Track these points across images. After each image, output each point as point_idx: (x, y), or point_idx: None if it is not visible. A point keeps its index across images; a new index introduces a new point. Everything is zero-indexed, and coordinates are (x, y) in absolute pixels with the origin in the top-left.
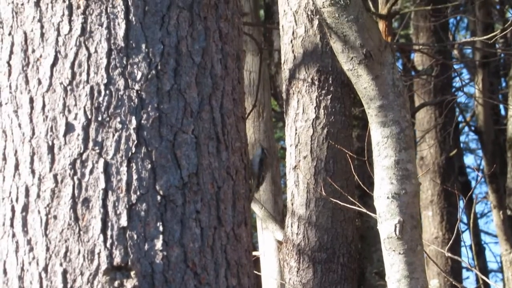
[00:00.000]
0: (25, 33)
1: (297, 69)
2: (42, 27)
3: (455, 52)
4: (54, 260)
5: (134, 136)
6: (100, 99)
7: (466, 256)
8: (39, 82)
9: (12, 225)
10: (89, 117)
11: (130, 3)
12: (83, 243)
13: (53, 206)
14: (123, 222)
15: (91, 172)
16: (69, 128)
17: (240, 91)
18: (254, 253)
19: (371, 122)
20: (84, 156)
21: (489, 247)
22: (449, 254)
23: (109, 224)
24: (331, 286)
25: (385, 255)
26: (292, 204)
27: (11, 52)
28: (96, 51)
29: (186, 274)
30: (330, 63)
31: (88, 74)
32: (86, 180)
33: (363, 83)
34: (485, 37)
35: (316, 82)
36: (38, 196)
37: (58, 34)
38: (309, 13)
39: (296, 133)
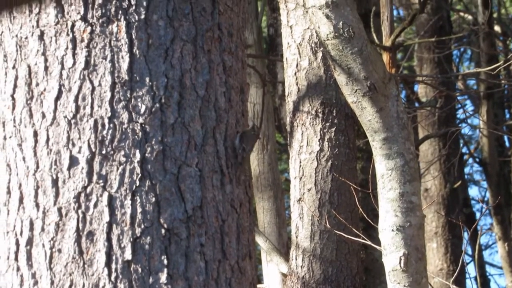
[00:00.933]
0: (29, 66)
1: (301, 101)
2: (46, 60)
3: (459, 83)
4: None
5: (138, 170)
6: (104, 132)
7: None
8: (43, 116)
9: (16, 259)
10: (93, 150)
11: (133, 36)
12: (88, 276)
13: (58, 240)
14: (128, 255)
15: (95, 205)
16: (73, 161)
17: (244, 124)
18: (258, 286)
19: (376, 155)
20: (88, 190)
21: (494, 279)
22: (454, 286)
23: (114, 257)
24: None
25: None
26: (297, 237)
27: (15, 86)
28: (100, 85)
29: None
30: (334, 95)
31: (92, 107)
32: (91, 213)
33: (367, 116)
34: (488, 68)
35: (320, 115)
36: (43, 229)
37: (62, 68)
38: (313, 45)
39: (300, 166)
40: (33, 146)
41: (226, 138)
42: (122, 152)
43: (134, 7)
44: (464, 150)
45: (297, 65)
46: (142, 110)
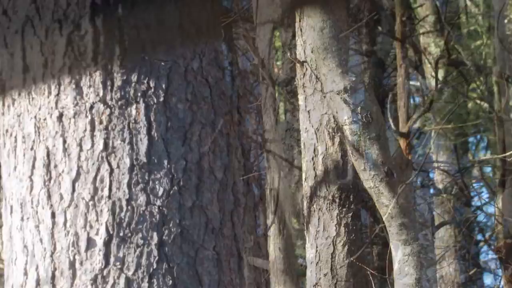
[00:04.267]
0: (47, 148)
1: (318, 186)
2: (64, 142)
3: (475, 170)
4: None
5: (155, 252)
6: (122, 214)
7: None
8: (61, 197)
9: None
10: (111, 232)
11: (152, 119)
12: None
13: None
14: None
15: (112, 287)
16: (91, 243)
17: (262, 207)
18: None
19: (392, 240)
20: (105, 272)
21: None
22: None
23: None
24: None
25: None
26: None
27: (33, 167)
28: (118, 167)
29: None
30: (351, 180)
31: (110, 189)
32: None
33: (384, 201)
34: (503, 155)
35: (337, 200)
36: None
37: (81, 149)
38: (330, 130)
39: (317, 251)
40: (50, 227)
41: (244, 221)
42: (140, 235)
43: (153, 90)
44: (479, 237)
45: (314, 150)
46: (160, 193)
